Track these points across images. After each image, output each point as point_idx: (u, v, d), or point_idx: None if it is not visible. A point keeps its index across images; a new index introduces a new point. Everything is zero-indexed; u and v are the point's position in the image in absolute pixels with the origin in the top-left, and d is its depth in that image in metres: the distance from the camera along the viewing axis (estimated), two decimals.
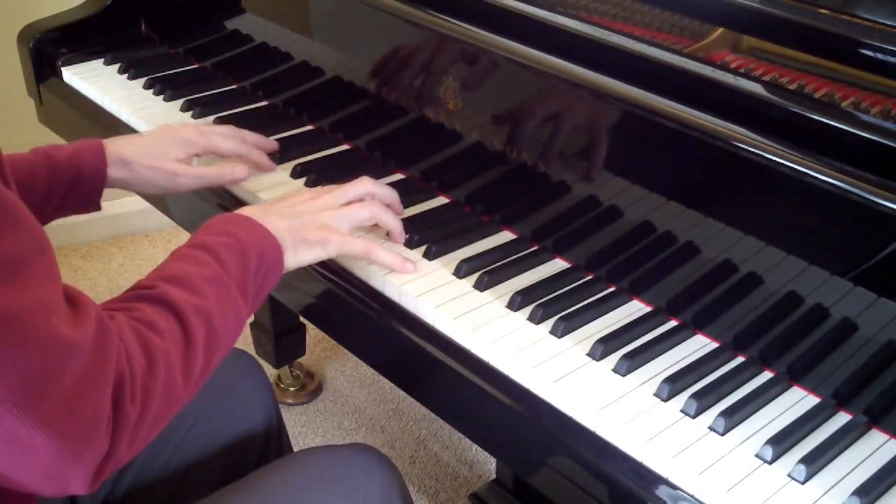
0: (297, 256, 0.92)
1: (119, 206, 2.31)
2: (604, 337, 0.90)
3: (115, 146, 1.06)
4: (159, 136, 1.10)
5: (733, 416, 0.82)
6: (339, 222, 0.96)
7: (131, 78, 1.43)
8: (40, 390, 0.63)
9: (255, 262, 0.86)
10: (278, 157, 1.20)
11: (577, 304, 0.95)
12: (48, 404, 0.63)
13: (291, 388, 1.91)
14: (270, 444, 1.10)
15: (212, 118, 1.30)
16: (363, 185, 1.00)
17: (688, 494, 0.77)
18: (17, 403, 0.62)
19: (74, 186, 1.03)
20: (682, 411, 0.83)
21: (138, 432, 0.71)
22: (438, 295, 0.96)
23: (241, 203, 1.15)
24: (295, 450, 1.19)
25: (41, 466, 0.66)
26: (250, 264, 0.86)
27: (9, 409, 0.62)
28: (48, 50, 1.48)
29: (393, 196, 1.03)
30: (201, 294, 0.80)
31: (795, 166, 0.81)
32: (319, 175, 1.16)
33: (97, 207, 1.08)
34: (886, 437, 0.83)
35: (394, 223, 1.01)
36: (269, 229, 0.90)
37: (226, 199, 1.16)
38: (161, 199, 1.33)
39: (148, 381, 0.71)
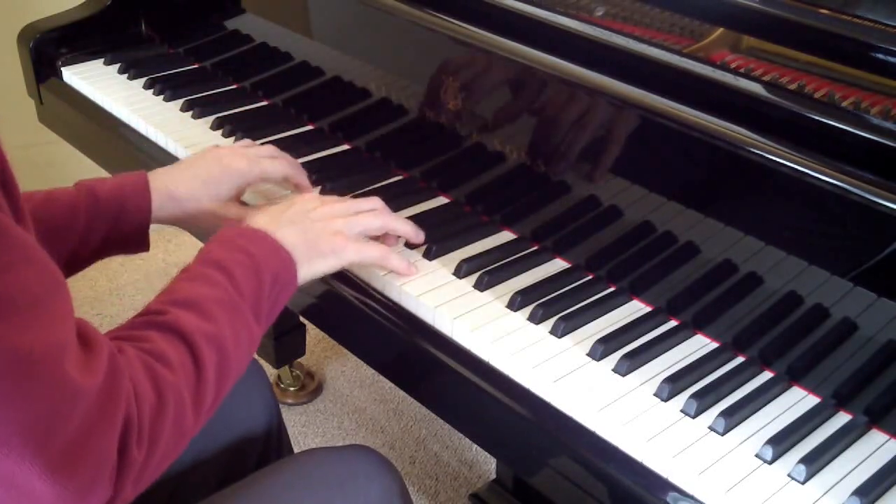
0: (311, 268, 0.90)
1: None
2: (604, 337, 0.90)
3: (162, 181, 1.00)
4: (210, 171, 1.02)
5: (733, 416, 0.82)
6: (350, 230, 0.93)
7: (131, 78, 1.43)
8: (44, 436, 0.61)
9: (269, 281, 0.84)
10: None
11: (577, 304, 0.95)
12: (50, 451, 0.61)
13: (291, 388, 1.91)
14: (271, 444, 1.09)
15: (212, 118, 1.30)
16: (373, 201, 0.98)
17: (688, 494, 0.77)
18: (16, 448, 0.60)
19: (118, 223, 0.97)
20: (682, 411, 0.83)
21: (144, 473, 0.69)
22: (438, 295, 0.96)
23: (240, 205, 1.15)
24: (295, 450, 1.19)
25: None
26: (264, 284, 0.83)
27: (6, 453, 0.59)
28: (48, 50, 1.48)
29: (407, 222, 1.00)
30: (213, 320, 0.77)
31: (795, 166, 0.81)
32: (319, 175, 1.16)
33: (145, 248, 1.02)
34: (886, 437, 0.83)
35: (407, 227, 1.00)
36: (283, 243, 0.87)
37: None
38: None
39: (156, 422, 0.69)
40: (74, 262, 0.97)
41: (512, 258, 1.02)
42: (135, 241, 1.01)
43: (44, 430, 0.61)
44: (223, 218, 1.02)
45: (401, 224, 1.00)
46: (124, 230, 0.98)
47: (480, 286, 0.98)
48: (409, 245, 1.03)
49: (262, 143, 1.22)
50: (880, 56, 0.85)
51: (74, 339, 0.65)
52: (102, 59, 1.49)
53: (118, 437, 0.66)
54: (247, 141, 1.17)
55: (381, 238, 1.00)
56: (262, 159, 1.06)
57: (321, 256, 0.91)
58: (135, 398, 0.68)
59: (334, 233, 0.92)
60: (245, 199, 1.10)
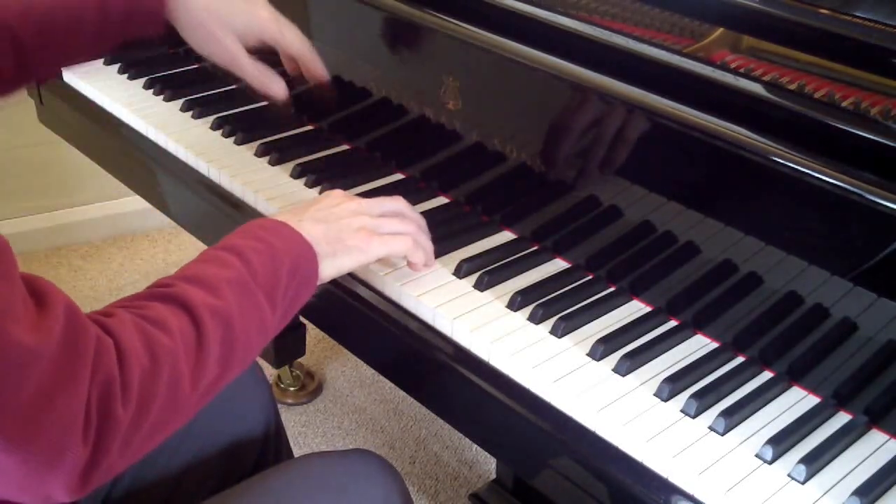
0: (336, 263, 0.89)
1: (119, 206, 2.31)
2: (604, 337, 0.90)
3: None
4: (238, 2, 1.06)
5: (733, 416, 0.82)
6: (376, 228, 0.92)
7: (131, 78, 1.43)
8: None
9: (288, 272, 0.82)
10: (278, 156, 1.20)
11: (577, 304, 0.95)
12: (6, 419, 0.59)
13: (291, 388, 1.91)
14: (269, 444, 1.09)
15: (212, 118, 1.30)
16: (397, 201, 0.97)
17: (688, 494, 0.77)
18: None
19: (129, 21, 1.02)
20: (682, 411, 0.83)
21: (133, 437, 0.67)
22: (438, 295, 0.96)
23: (238, 205, 1.15)
24: (294, 450, 1.19)
25: (12, 481, 0.62)
26: (281, 273, 0.82)
27: None
28: None
29: (423, 224, 0.98)
30: (221, 296, 0.76)
31: (795, 166, 0.81)
32: (319, 175, 1.16)
33: (160, 28, 1.05)
34: (886, 437, 0.83)
35: (425, 254, 0.96)
36: (305, 236, 0.86)
37: (224, 202, 1.16)
38: (161, 199, 1.33)
39: (147, 384, 0.67)
40: (78, 53, 1.05)
41: (512, 258, 1.02)
42: (151, 27, 1.05)
43: None
44: (227, 49, 1.05)
45: (421, 255, 0.96)
46: (138, 22, 1.03)
47: (480, 286, 0.98)
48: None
49: (265, 141, 1.22)
50: (880, 56, 0.85)
51: (18, 299, 0.62)
52: (102, 59, 1.48)
53: (97, 394, 0.63)
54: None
55: None
56: (288, 29, 1.09)
57: (346, 252, 0.90)
58: (119, 358, 0.66)
59: (359, 227, 0.91)
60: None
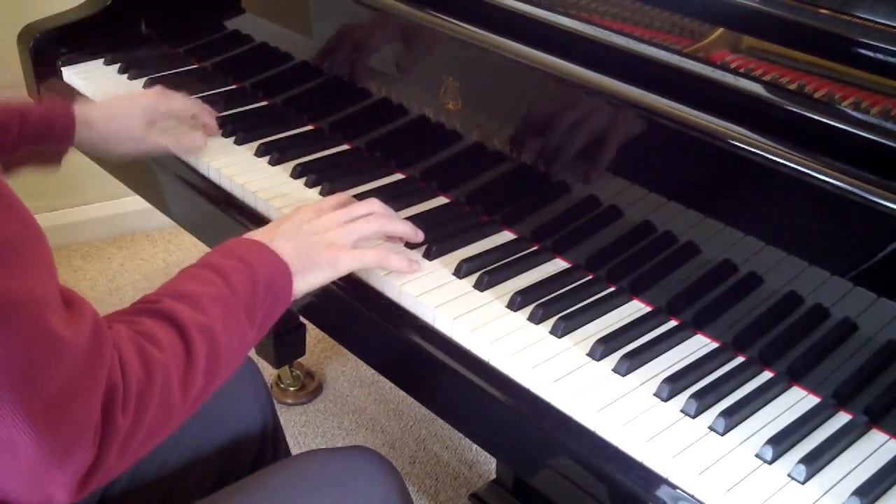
0: (307, 279, 0.91)
1: (119, 206, 2.31)
2: (604, 337, 0.90)
3: (82, 110, 1.13)
4: (124, 101, 1.19)
5: (733, 416, 0.82)
6: (345, 239, 0.94)
7: (131, 78, 1.43)
8: (27, 385, 0.61)
9: (264, 288, 0.85)
10: (278, 156, 1.20)
11: (577, 304, 0.95)
12: (35, 401, 0.61)
13: (291, 388, 1.90)
14: (266, 444, 1.09)
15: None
16: (370, 204, 0.99)
17: (688, 494, 0.77)
18: (1, 394, 0.60)
19: (42, 144, 1.09)
20: (682, 411, 0.83)
21: (129, 444, 0.70)
22: (438, 295, 0.96)
23: (238, 205, 1.15)
24: (294, 450, 1.19)
25: (21, 470, 0.63)
26: (258, 289, 0.85)
27: None
28: (48, 50, 1.48)
29: (391, 213, 1.01)
30: (206, 312, 0.79)
31: (795, 166, 0.81)
32: (319, 175, 1.16)
33: (57, 165, 1.13)
34: (886, 437, 0.83)
35: (404, 228, 1.00)
36: (279, 254, 0.89)
37: (224, 202, 1.16)
38: (161, 199, 1.33)
39: (143, 393, 0.70)
40: None
41: (512, 258, 1.02)
42: (53, 161, 1.13)
43: (27, 380, 0.61)
44: (144, 144, 1.18)
45: (398, 225, 1.00)
46: (47, 152, 1.11)
47: (480, 286, 0.98)
48: (409, 244, 1.03)
49: (265, 141, 1.23)
50: (880, 56, 0.85)
51: (57, 293, 0.65)
52: (102, 59, 1.48)
53: (101, 400, 0.66)
54: (158, 87, 1.27)
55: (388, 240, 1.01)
56: (174, 95, 1.22)
57: (317, 268, 0.92)
58: (121, 368, 0.69)
59: (328, 244, 0.93)
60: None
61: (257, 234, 0.93)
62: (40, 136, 1.08)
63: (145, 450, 0.73)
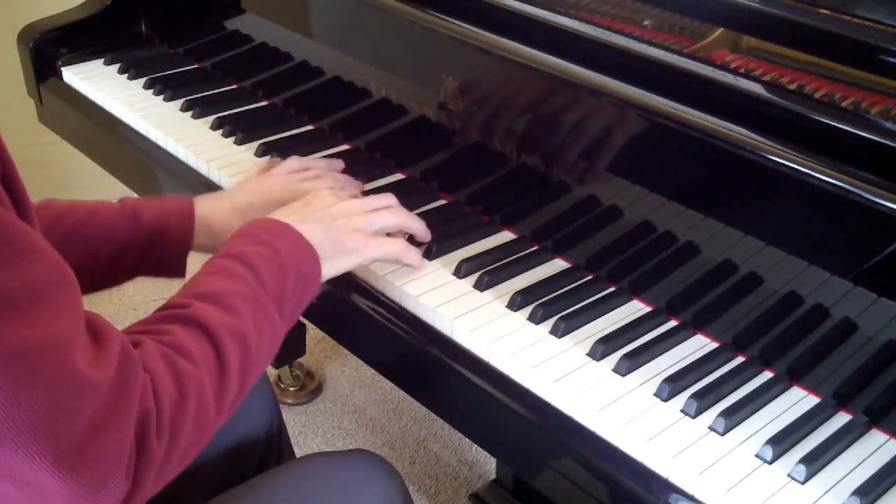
0: (335, 264, 0.90)
1: None
2: (604, 337, 0.90)
3: (203, 210, 0.99)
4: (249, 201, 1.01)
5: (733, 416, 0.82)
6: (369, 227, 0.94)
7: (131, 78, 1.43)
8: (52, 431, 0.60)
9: (294, 277, 0.83)
10: (278, 156, 1.20)
11: (577, 304, 0.95)
12: (60, 445, 0.60)
13: (291, 388, 1.91)
14: (271, 446, 1.09)
15: (212, 118, 1.30)
16: (388, 197, 0.99)
17: (688, 494, 0.77)
18: (24, 444, 0.59)
19: (156, 247, 0.97)
20: (682, 411, 0.83)
21: (165, 467, 0.68)
22: (438, 295, 0.96)
23: None
24: (295, 450, 1.19)
25: None
26: (288, 279, 0.82)
27: (14, 449, 0.59)
28: (48, 50, 1.48)
29: (410, 213, 1.01)
30: (236, 313, 0.77)
31: (795, 166, 0.81)
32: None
33: (181, 274, 0.99)
34: (886, 437, 0.83)
35: (420, 225, 1.01)
36: (308, 238, 0.87)
37: None
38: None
39: (177, 415, 0.68)
40: (108, 277, 0.98)
41: (512, 258, 1.02)
42: (171, 267, 0.99)
43: (52, 424, 0.60)
44: None
45: (415, 222, 1.00)
46: (162, 256, 0.98)
47: (480, 286, 0.98)
48: (414, 243, 1.03)
49: (265, 141, 1.22)
50: (880, 56, 0.85)
51: (83, 333, 0.64)
52: (102, 59, 1.49)
53: (134, 428, 0.65)
54: (293, 159, 1.10)
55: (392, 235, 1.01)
56: (305, 183, 1.04)
57: (344, 253, 0.91)
58: (153, 391, 0.67)
59: (354, 230, 0.92)
60: None
61: (286, 215, 0.90)
62: (154, 237, 0.96)
63: (181, 468, 0.71)
